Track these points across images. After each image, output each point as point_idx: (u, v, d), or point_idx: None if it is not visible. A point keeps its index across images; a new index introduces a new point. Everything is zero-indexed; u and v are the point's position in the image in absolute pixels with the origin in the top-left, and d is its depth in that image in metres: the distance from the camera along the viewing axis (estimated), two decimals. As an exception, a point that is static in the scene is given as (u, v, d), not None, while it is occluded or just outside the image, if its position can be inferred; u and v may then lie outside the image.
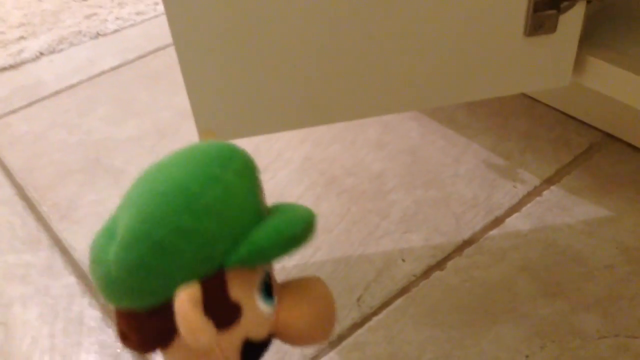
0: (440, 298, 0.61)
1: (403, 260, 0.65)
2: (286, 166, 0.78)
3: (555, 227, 0.67)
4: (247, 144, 0.80)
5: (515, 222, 0.68)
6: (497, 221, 0.68)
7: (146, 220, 0.33)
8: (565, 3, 0.56)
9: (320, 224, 0.70)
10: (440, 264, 0.65)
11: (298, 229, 0.34)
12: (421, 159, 0.77)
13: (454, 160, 0.76)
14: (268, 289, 0.36)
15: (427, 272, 0.64)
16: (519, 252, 0.65)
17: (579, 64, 0.63)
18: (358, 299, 0.62)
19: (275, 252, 0.34)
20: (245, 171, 0.35)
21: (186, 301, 0.31)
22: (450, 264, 0.64)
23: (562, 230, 0.66)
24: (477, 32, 0.56)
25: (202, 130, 0.59)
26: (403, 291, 0.62)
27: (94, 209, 0.74)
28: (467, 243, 0.66)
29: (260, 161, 0.79)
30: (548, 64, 0.60)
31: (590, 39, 0.64)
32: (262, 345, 0.36)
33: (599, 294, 0.60)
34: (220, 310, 0.34)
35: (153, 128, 0.85)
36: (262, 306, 0.35)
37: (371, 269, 0.65)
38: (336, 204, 0.72)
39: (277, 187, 0.75)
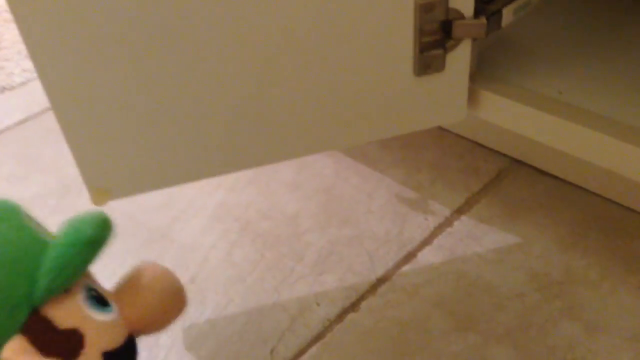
0: (354, 342, 0.60)
1: (317, 305, 0.64)
2: (199, 214, 0.76)
3: (466, 258, 0.67)
4: (156, 195, 0.78)
5: (427, 256, 0.68)
6: (410, 256, 0.68)
7: None
8: (451, 42, 0.57)
9: (234, 274, 0.68)
10: (354, 306, 0.64)
11: (88, 230, 0.35)
12: (335, 197, 0.77)
13: (367, 196, 0.76)
14: (98, 299, 0.36)
15: (341, 315, 0.63)
16: (432, 286, 0.64)
17: (473, 98, 0.64)
18: (271, 351, 0.60)
19: (73, 266, 0.34)
20: (6, 215, 0.36)
21: (15, 355, 0.31)
22: (364, 304, 0.64)
23: (472, 261, 0.67)
24: (368, 75, 0.57)
25: (93, 190, 0.57)
26: (317, 337, 0.61)
27: (-5, 276, 0.70)
28: (381, 281, 0.66)
29: (172, 210, 0.77)
30: (442, 101, 0.61)
31: (483, 72, 0.65)
32: (125, 349, 0.37)
33: (510, 324, 0.60)
34: (60, 343, 0.33)
35: (58, 185, 0.82)
36: (100, 317, 0.35)
37: (285, 316, 0.63)
38: (250, 251, 0.71)
39: (189, 236, 0.73)
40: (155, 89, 0.52)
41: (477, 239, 0.69)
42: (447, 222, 0.71)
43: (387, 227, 0.72)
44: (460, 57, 0.58)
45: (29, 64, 1.07)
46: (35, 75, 1.04)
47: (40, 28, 0.46)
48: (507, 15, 0.60)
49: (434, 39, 0.56)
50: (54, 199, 0.80)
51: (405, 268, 0.67)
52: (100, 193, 0.56)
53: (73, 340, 0.34)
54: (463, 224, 0.71)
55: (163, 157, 0.56)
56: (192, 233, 0.74)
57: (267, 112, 0.56)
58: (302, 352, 0.60)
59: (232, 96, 0.54)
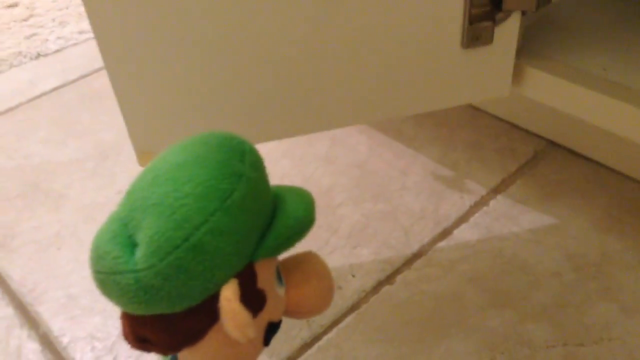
0: (390, 313, 0.60)
1: (353, 276, 0.64)
2: (233, 184, 0.76)
3: (502, 236, 0.67)
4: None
5: (463, 233, 0.68)
6: (445, 233, 0.68)
7: (179, 224, 0.32)
8: (500, 15, 0.57)
9: (269, 243, 0.68)
10: (389, 278, 0.64)
11: (310, 212, 0.37)
12: (369, 172, 0.77)
13: (402, 173, 0.76)
14: (278, 273, 0.38)
15: (376, 287, 0.63)
16: (468, 263, 0.64)
17: (517, 74, 0.63)
18: (308, 319, 0.61)
19: (296, 239, 0.36)
20: (257, 163, 0.36)
21: (233, 300, 0.32)
22: (399, 277, 0.64)
23: (509, 240, 0.66)
24: (416, 45, 0.56)
25: (140, 152, 0.57)
26: (353, 308, 0.61)
27: (32, 236, 0.71)
28: (416, 256, 0.66)
29: (207, 180, 0.77)
30: (487, 75, 0.60)
31: (529, 48, 0.65)
32: (278, 325, 0.39)
33: (547, 303, 0.60)
34: (252, 300, 0.35)
35: (94, 150, 0.83)
36: (278, 290, 0.38)
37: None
38: (284, 222, 0.71)
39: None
40: (207, 51, 0.52)
41: (513, 218, 0.69)
42: (483, 201, 0.71)
43: (423, 204, 0.72)
44: (508, 31, 0.58)
45: (63, 32, 1.07)
46: (70, 42, 1.05)
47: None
48: (558, -11, 0.59)
49: (484, 11, 0.56)
50: (91, 163, 0.81)
51: (441, 244, 0.67)
52: (146, 155, 0.56)
53: (261, 301, 0.36)
54: (499, 203, 0.71)
55: (208, 121, 0.56)
56: (227, 202, 0.74)
57: (314, 80, 0.56)
58: (337, 321, 0.60)
59: (280, 63, 0.54)
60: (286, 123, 0.58)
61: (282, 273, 0.40)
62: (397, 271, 0.65)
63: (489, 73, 0.60)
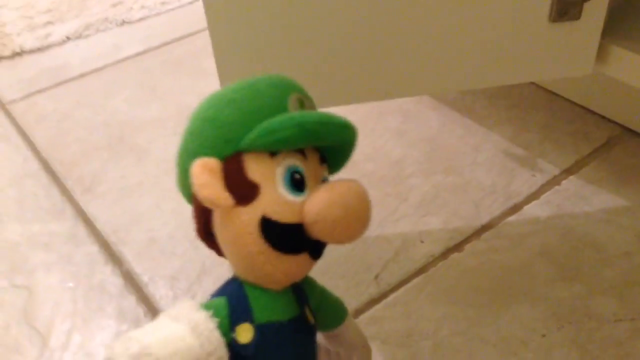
0: (457, 278, 0.62)
1: (421, 242, 0.66)
2: (307, 150, 0.79)
3: (574, 215, 0.67)
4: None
5: (533, 210, 0.68)
6: (516, 208, 0.69)
7: (191, 117, 0.40)
8: (591, -10, 0.57)
9: (340, 205, 0.71)
10: (458, 247, 0.65)
11: (309, 118, 0.37)
12: (440, 146, 0.78)
13: (473, 149, 0.77)
14: (295, 182, 0.37)
15: (445, 254, 0.65)
16: (537, 237, 0.65)
17: (601, 53, 0.64)
18: (376, 277, 0.63)
19: (284, 136, 0.36)
20: (280, 86, 0.39)
21: (198, 165, 0.36)
22: (468, 246, 0.65)
23: (580, 218, 0.67)
24: (503, 16, 0.57)
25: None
26: (421, 270, 0.63)
27: (116, 184, 0.75)
28: (486, 228, 0.67)
29: (281, 145, 0.80)
30: (571, 51, 0.61)
31: (614, 28, 0.65)
32: (288, 229, 0.37)
33: (616, 280, 0.60)
34: (238, 186, 0.37)
35: (176, 111, 0.87)
36: (285, 193, 0.37)
37: (389, 248, 0.65)
38: (356, 187, 0.73)
39: (298, 170, 0.76)
40: (307, 15, 0.54)
41: (585, 198, 0.69)
42: (555, 181, 0.72)
43: (494, 179, 0.72)
44: (597, 8, 0.58)
45: (147, 2, 1.12)
46: (153, 12, 1.10)
47: None
48: (651, -31, 0.59)
49: (575, -14, 0.57)
50: (172, 122, 0.85)
51: (511, 218, 0.68)
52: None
53: (250, 190, 0.37)
54: (571, 183, 0.71)
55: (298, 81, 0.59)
56: (300, 166, 0.77)
57: (402, 47, 0.58)
58: (405, 281, 0.62)
59: (372, 28, 0.56)
60: (367, 87, 0.60)
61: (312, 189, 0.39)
62: (465, 240, 0.66)
63: (574, 49, 0.61)
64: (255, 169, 0.37)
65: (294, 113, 0.38)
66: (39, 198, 0.74)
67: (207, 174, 0.36)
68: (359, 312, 0.59)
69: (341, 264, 0.64)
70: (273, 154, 0.37)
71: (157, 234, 0.68)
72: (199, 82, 0.92)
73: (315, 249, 0.39)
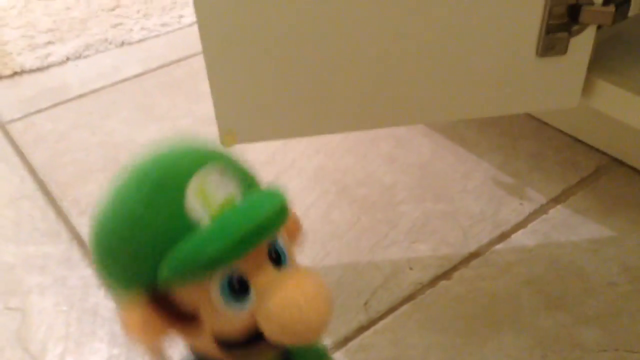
0: (445, 306, 0.63)
1: (410, 269, 0.67)
2: (300, 175, 0.80)
3: (560, 244, 0.68)
4: (262, 152, 0.83)
5: (521, 238, 0.70)
6: (503, 236, 0.70)
7: (100, 221, 0.35)
8: (576, 27, 0.59)
9: (331, 231, 0.72)
10: (446, 274, 0.66)
11: (230, 237, 0.31)
12: (431, 173, 0.79)
13: (463, 176, 0.78)
14: (235, 288, 0.33)
15: (433, 281, 0.66)
16: (524, 266, 0.66)
17: (588, 87, 0.65)
18: (365, 303, 0.64)
19: (200, 271, 0.32)
20: (169, 184, 0.33)
21: (133, 323, 0.32)
22: (456, 274, 0.66)
23: (566, 247, 0.68)
24: (491, 50, 0.59)
25: (223, 131, 0.61)
26: (409, 297, 0.64)
27: (112, 206, 0.77)
28: (474, 255, 0.68)
29: (275, 169, 0.81)
30: (558, 85, 0.62)
31: (600, 62, 0.67)
32: (245, 342, 0.35)
33: (600, 309, 0.61)
34: (176, 321, 0.34)
35: (172, 133, 0.88)
36: (226, 309, 0.33)
37: (379, 275, 0.67)
38: (347, 212, 0.74)
39: (290, 193, 0.77)
40: (297, 42, 0.56)
41: (571, 227, 0.70)
42: (543, 210, 0.73)
43: (482, 207, 0.74)
44: (583, 43, 0.60)
45: (147, 23, 1.14)
46: (152, 34, 1.11)
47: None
48: (635, 6, 0.61)
49: (561, 22, 0.58)
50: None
51: (499, 246, 0.69)
52: (229, 135, 0.61)
53: (190, 320, 0.34)
54: (558, 212, 0.72)
55: (292, 108, 0.60)
56: (293, 191, 0.78)
57: (391, 77, 0.59)
58: (394, 308, 0.63)
59: (366, 59, 0.57)
60: (354, 116, 0.62)
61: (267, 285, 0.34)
62: (454, 268, 0.67)
63: (561, 83, 0.62)
64: (186, 297, 0.33)
65: (202, 230, 0.32)
66: (34, 220, 0.75)
67: (142, 330, 0.32)
68: (348, 339, 0.60)
69: (331, 290, 0.65)
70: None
71: (151, 258, 0.69)
72: (195, 105, 0.94)
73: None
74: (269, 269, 0.35)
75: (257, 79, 0.58)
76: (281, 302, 0.33)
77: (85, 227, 0.74)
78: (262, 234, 0.33)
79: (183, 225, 0.32)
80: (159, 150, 0.35)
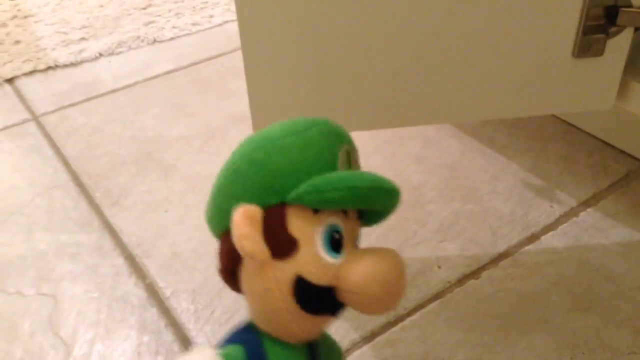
0: (473, 305, 0.63)
1: (439, 267, 0.67)
2: (328, 172, 0.81)
3: (590, 246, 0.68)
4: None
5: (550, 240, 0.69)
6: (533, 237, 0.70)
7: (234, 154, 0.38)
8: (614, 28, 0.59)
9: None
10: (475, 273, 0.66)
11: (361, 182, 0.36)
12: (460, 174, 0.79)
13: (492, 178, 0.78)
14: (334, 242, 0.37)
15: (461, 280, 0.66)
16: (554, 267, 0.66)
17: (623, 89, 0.65)
18: (393, 300, 0.64)
19: (333, 197, 0.35)
20: (331, 136, 0.38)
21: (241, 213, 0.35)
22: (485, 274, 0.66)
23: (596, 250, 0.67)
24: (528, 50, 0.59)
25: (259, 128, 0.62)
26: (437, 296, 0.64)
27: (143, 198, 0.78)
28: (503, 256, 0.68)
29: (304, 166, 0.82)
30: (593, 86, 0.62)
31: (636, 65, 0.66)
32: (321, 291, 0.37)
33: (631, 312, 0.61)
34: (277, 239, 0.36)
35: (202, 129, 0.89)
36: (323, 254, 0.37)
37: (407, 272, 0.66)
38: (375, 211, 0.74)
39: (319, 191, 0.77)
40: (334, 40, 0.56)
41: (602, 231, 0.70)
42: (573, 212, 0.72)
43: (512, 208, 0.74)
44: (619, 45, 0.60)
45: (178, 22, 1.15)
46: (183, 32, 1.13)
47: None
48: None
49: (598, 24, 0.58)
50: (199, 140, 0.87)
51: (528, 247, 0.69)
52: (263, 127, 0.61)
53: (288, 246, 0.36)
54: (589, 215, 0.72)
55: (324, 106, 0.61)
56: (322, 187, 0.78)
57: (432, 78, 0.59)
58: (422, 305, 0.63)
59: (399, 57, 0.58)
60: (391, 113, 0.62)
61: (348, 249, 0.38)
62: (482, 267, 0.67)
63: (596, 84, 0.62)
64: (297, 224, 0.36)
65: (345, 173, 0.37)
66: (67, 209, 0.77)
67: (249, 225, 0.35)
68: (375, 334, 0.61)
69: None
70: (316, 210, 0.37)
71: (180, 249, 0.70)
72: (225, 102, 0.95)
73: (339, 310, 0.39)
74: (356, 238, 0.39)
75: (292, 77, 0.59)
76: (371, 270, 0.36)
77: (116, 217, 0.75)
78: (386, 199, 0.38)
79: (330, 164, 0.37)
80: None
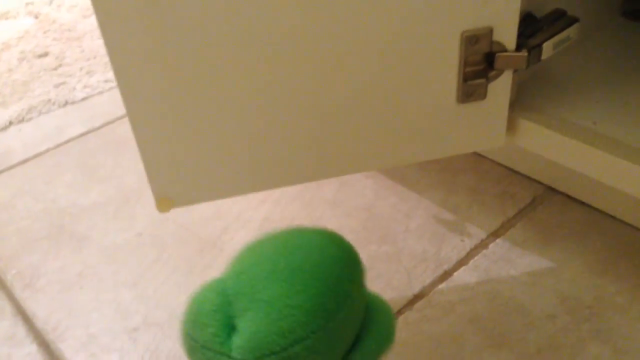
0: (389, 354, 0.64)
1: (356, 317, 0.68)
2: (245, 226, 0.81)
3: (500, 279, 0.70)
4: (207, 207, 0.83)
5: (462, 275, 0.71)
6: (446, 274, 0.71)
7: (283, 333, 0.34)
8: (493, 72, 0.61)
9: (278, 283, 0.72)
10: (391, 319, 0.67)
11: (393, 336, 0.42)
12: (375, 215, 0.81)
13: (405, 216, 0.80)
14: None
15: (379, 328, 0.66)
16: (466, 305, 0.68)
17: (512, 126, 0.67)
18: (312, 357, 0.64)
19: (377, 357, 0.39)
20: (362, 279, 0.40)
21: None
22: (401, 318, 0.67)
23: (506, 282, 0.69)
24: (415, 101, 0.61)
25: (159, 197, 0.62)
26: (356, 347, 0.65)
27: (57, 276, 0.76)
28: (418, 297, 0.69)
29: (221, 222, 0.82)
30: (482, 127, 0.65)
31: (522, 101, 0.69)
32: None
33: (541, 344, 0.63)
34: None
35: (117, 194, 0.88)
36: None
37: (326, 326, 0.67)
38: (293, 263, 0.75)
39: (238, 246, 0.77)
40: (226, 104, 0.57)
41: (511, 261, 0.72)
42: (483, 244, 0.74)
43: (425, 246, 0.75)
44: (501, 87, 0.62)
45: (90, 81, 1.14)
46: (96, 91, 1.12)
47: (122, 38, 0.52)
48: (547, 49, 0.63)
49: (477, 69, 0.60)
50: (113, 206, 0.86)
51: (442, 286, 0.70)
52: (165, 201, 0.61)
53: None
54: (498, 246, 0.74)
55: (225, 170, 0.61)
56: (240, 243, 0.78)
57: (327, 133, 0.60)
58: (341, 359, 0.63)
59: (289, 117, 0.59)
60: (301, 170, 0.63)
61: None
62: (399, 312, 0.68)
63: (484, 125, 0.64)
64: None
65: (380, 334, 0.42)
66: (-22, 296, 0.74)
67: None
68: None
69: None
70: None
71: (96, 329, 0.69)
72: (139, 162, 0.94)
73: None
74: None
75: (186, 141, 0.59)
76: None
77: (29, 300, 0.73)
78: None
79: (346, 290, 0.38)
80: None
